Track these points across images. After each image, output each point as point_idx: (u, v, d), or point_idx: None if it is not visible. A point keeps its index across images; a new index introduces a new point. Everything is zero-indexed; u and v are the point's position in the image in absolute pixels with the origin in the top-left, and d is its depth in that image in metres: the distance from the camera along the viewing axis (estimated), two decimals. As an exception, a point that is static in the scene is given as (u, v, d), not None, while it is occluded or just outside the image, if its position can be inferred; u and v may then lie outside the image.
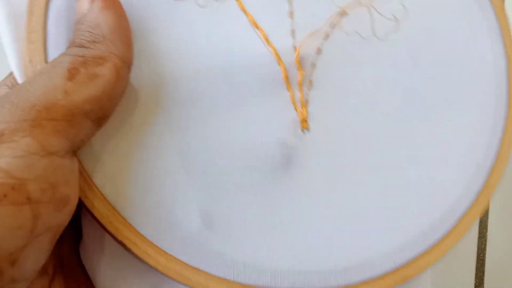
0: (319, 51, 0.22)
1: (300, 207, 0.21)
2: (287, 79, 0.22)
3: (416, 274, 0.22)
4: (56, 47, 0.20)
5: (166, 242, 0.20)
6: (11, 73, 0.21)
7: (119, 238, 0.19)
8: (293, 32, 0.22)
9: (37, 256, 0.16)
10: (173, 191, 0.20)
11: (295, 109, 0.22)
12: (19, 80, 0.20)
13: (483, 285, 0.48)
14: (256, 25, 0.22)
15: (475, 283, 0.49)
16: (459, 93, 0.24)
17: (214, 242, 0.20)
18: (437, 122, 0.24)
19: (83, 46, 0.18)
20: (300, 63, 0.22)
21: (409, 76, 0.24)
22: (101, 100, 0.18)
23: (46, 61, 0.20)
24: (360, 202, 0.22)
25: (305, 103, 0.22)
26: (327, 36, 0.23)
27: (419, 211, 0.22)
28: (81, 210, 0.20)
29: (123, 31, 0.19)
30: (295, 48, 0.22)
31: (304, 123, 0.22)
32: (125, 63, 0.19)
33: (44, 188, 0.16)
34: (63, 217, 0.17)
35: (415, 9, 0.24)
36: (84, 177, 0.19)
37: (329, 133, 0.22)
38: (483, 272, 0.49)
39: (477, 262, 0.49)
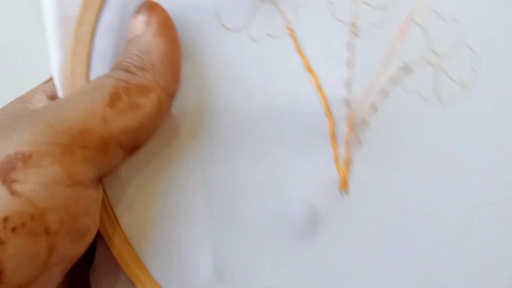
0: (373, 108, 0.21)
1: (322, 277, 0.20)
2: (333, 134, 0.20)
3: None
4: (101, 61, 0.19)
5: (174, 286, 0.19)
6: (50, 79, 0.20)
7: (128, 274, 0.18)
8: (348, 84, 0.21)
9: (46, 286, 0.16)
10: (191, 233, 0.19)
11: (337, 167, 0.20)
12: (58, 88, 0.19)
13: None
14: (310, 70, 0.20)
15: None
16: None
17: None
18: (491, 198, 0.21)
19: (129, 71, 0.17)
20: (352, 118, 0.20)
21: (470, 152, 0.22)
22: (138, 131, 0.17)
23: (87, 74, 0.19)
24: (398, 281, 0.20)
25: (348, 163, 0.20)
26: (385, 93, 0.21)
27: None
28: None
29: (174, 62, 0.18)
30: (347, 101, 0.20)
31: (344, 184, 0.20)
32: (169, 96, 0.18)
33: (63, 219, 0.15)
34: (80, 249, 0.16)
35: (490, 76, 0.22)
36: (105, 204, 0.18)
37: (369, 199, 0.20)
38: None
39: None
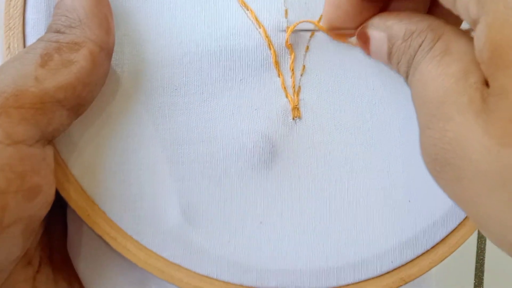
0: (312, 34, 0.21)
1: (290, 202, 0.20)
2: (277, 64, 0.20)
3: (417, 275, 0.20)
4: (35, 33, 0.19)
5: (146, 237, 0.19)
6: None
7: (98, 232, 0.18)
8: (286, 12, 0.20)
9: (9, 247, 0.16)
10: (154, 183, 0.19)
11: (286, 96, 0.20)
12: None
13: (482, 285, 0.48)
14: (245, 5, 0.20)
15: (475, 283, 0.48)
16: None
17: (195, 237, 0.19)
18: None
19: (58, 32, 0.18)
20: (292, 45, 0.20)
21: None
22: (75, 88, 0.17)
23: (24, 47, 0.19)
24: (355, 198, 0.20)
25: (297, 90, 0.20)
26: (320, 19, 0.21)
27: (420, 209, 0.20)
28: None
29: (101, 15, 0.18)
30: (288, 29, 0.20)
31: (296, 111, 0.20)
32: (103, 49, 0.18)
33: (10, 177, 0.15)
34: (36, 207, 0.16)
35: None
36: (62, 167, 0.19)
37: (323, 121, 0.20)
38: (482, 272, 0.49)
39: (477, 262, 0.49)
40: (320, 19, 0.20)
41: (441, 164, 0.14)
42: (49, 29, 0.18)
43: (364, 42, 0.17)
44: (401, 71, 0.16)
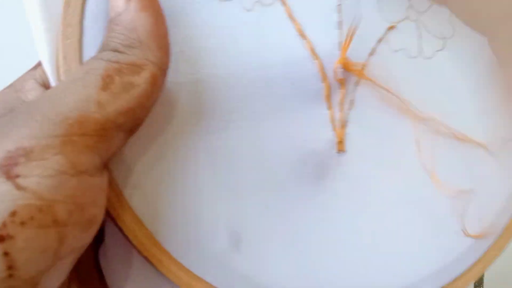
0: (364, 68, 0.21)
1: (331, 232, 0.21)
2: (328, 97, 0.21)
3: None
4: (93, 44, 0.18)
5: (191, 260, 0.19)
6: (38, 64, 0.20)
7: (144, 253, 0.19)
8: (340, 45, 0.21)
9: (58, 277, 0.16)
10: (203, 207, 0.19)
11: (333, 129, 0.21)
12: (50, 75, 0.19)
13: (482, 285, 0.48)
14: (302, 35, 0.20)
15: (475, 283, 0.48)
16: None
17: (239, 264, 0.20)
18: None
19: (117, 51, 0.17)
20: (343, 80, 0.21)
21: (452, 97, 0.23)
22: (135, 111, 0.17)
23: (81, 60, 0.18)
24: (392, 231, 0.21)
25: (343, 124, 0.21)
26: (373, 52, 0.22)
27: (449, 240, 0.22)
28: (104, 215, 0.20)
29: (161, 35, 0.18)
30: (341, 64, 0.21)
31: (340, 145, 0.21)
32: (162, 71, 0.18)
33: (71, 209, 0.15)
34: (89, 238, 0.17)
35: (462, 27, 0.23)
36: (113, 186, 0.18)
37: (365, 156, 0.21)
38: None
39: None
40: (371, 53, 0.21)
41: None
42: (106, 47, 0.17)
43: None
44: None
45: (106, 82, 0.16)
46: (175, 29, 0.19)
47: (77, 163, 0.15)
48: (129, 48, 0.17)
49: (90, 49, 0.18)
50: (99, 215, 0.17)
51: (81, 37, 0.18)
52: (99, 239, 0.21)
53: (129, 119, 0.17)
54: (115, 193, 0.19)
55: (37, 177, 0.14)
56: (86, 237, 0.16)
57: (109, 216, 0.19)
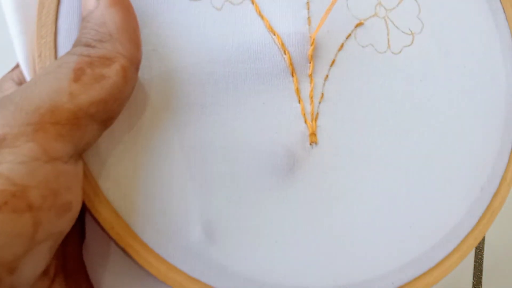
0: (333, 62, 0.22)
1: (303, 222, 0.21)
2: (298, 91, 0.21)
3: None
4: (67, 43, 0.19)
5: (167, 251, 0.19)
6: (17, 66, 0.21)
7: (121, 244, 0.19)
8: (311, 39, 0.22)
9: (37, 263, 0.16)
10: (177, 199, 0.20)
11: (305, 122, 0.21)
12: (26, 74, 0.19)
13: (481, 285, 0.48)
14: (272, 31, 0.21)
15: (473, 282, 0.48)
16: (468, 112, 0.24)
17: (215, 253, 0.20)
18: (444, 141, 0.24)
19: (89, 45, 0.18)
20: (313, 75, 0.21)
21: (420, 92, 0.23)
22: (107, 103, 0.17)
23: (56, 57, 0.19)
24: (363, 221, 0.22)
25: (315, 116, 0.21)
26: (341, 47, 0.22)
27: (421, 233, 0.22)
28: (85, 210, 0.20)
29: (131, 29, 0.18)
30: (310, 57, 0.21)
31: (313, 137, 0.21)
32: (133, 64, 0.18)
33: (45, 195, 0.16)
34: (65, 224, 0.17)
35: (431, 23, 0.24)
36: (89, 179, 0.19)
37: (338, 147, 0.22)
38: (481, 272, 0.49)
39: (475, 261, 0.49)
40: (340, 48, 0.22)
41: None
42: (78, 42, 0.18)
43: None
44: None
45: (78, 74, 0.17)
46: (147, 28, 0.20)
47: (49, 150, 0.16)
48: (100, 42, 0.18)
49: (65, 47, 0.19)
50: (75, 202, 0.17)
51: (56, 36, 0.19)
52: (85, 235, 0.21)
53: (101, 109, 0.17)
54: (91, 186, 0.19)
55: (10, 163, 0.15)
56: (63, 223, 0.17)
57: (87, 210, 0.19)
